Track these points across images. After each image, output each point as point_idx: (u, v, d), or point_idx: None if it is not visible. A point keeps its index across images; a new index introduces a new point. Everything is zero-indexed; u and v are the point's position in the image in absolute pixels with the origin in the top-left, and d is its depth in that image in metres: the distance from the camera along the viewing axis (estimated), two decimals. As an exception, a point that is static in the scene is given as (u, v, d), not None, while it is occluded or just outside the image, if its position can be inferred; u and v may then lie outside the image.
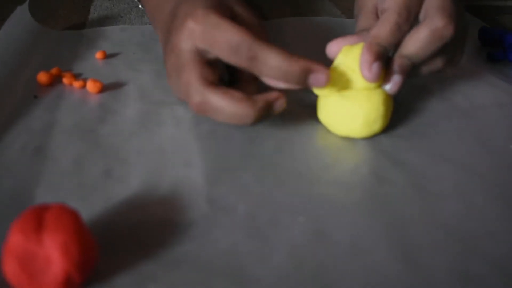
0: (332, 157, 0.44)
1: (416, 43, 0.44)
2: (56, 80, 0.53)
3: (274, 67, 0.40)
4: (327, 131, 0.46)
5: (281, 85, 0.42)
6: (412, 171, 0.42)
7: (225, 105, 0.41)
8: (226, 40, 0.41)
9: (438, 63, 0.47)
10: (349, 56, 0.44)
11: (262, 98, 0.41)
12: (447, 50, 0.46)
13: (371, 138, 0.45)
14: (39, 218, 0.30)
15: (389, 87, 0.45)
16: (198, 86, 0.42)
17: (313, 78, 0.41)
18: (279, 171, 0.42)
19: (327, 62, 0.45)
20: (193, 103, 0.42)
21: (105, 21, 0.68)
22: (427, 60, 0.46)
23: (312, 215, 0.37)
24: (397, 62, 0.44)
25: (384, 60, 0.43)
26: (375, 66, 0.43)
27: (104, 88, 0.52)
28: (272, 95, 0.42)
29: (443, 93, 0.53)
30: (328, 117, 0.45)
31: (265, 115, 0.42)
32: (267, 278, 0.33)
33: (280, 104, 0.42)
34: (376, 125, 0.44)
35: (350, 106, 0.44)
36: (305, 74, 0.41)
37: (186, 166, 0.42)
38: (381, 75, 0.43)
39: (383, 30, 0.44)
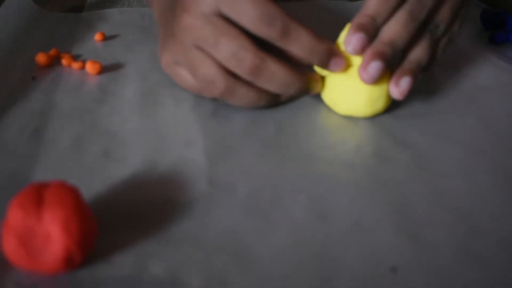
0: (334, 137, 0.43)
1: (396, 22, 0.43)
2: (54, 61, 0.53)
3: (304, 44, 0.41)
4: (330, 111, 0.46)
5: (303, 62, 0.43)
6: (415, 151, 0.42)
7: (281, 69, 0.41)
8: (259, 10, 0.39)
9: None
10: None
11: (305, 74, 0.43)
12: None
13: (374, 118, 0.45)
14: (39, 194, 0.30)
15: (396, 93, 0.43)
16: (254, 49, 0.40)
17: (334, 61, 0.42)
18: (280, 151, 0.42)
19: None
20: (248, 67, 0.41)
21: (104, 4, 0.67)
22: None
23: (314, 194, 0.37)
24: (379, 48, 0.42)
25: (368, 30, 0.42)
26: (355, 38, 0.41)
27: (103, 70, 0.51)
28: (314, 75, 0.44)
29: (445, 75, 0.53)
30: (331, 95, 0.45)
31: (304, 91, 0.44)
32: (268, 256, 0.32)
33: (317, 86, 0.44)
34: (379, 104, 0.44)
35: (353, 84, 0.43)
36: (329, 56, 0.42)
37: (187, 146, 0.41)
38: (364, 46, 0.41)
39: (391, 29, 0.42)
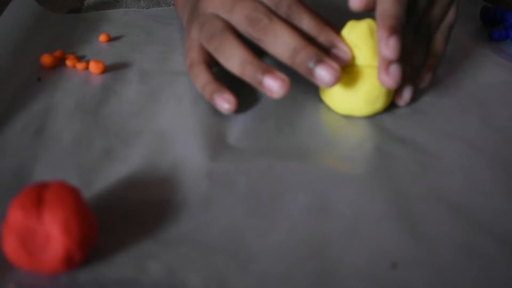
0: (334, 134, 0.43)
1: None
2: (59, 63, 0.53)
3: (305, 28, 0.42)
4: (329, 110, 0.46)
5: None
6: (415, 148, 0.42)
7: (288, 31, 0.41)
8: None
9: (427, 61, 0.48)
10: (353, 32, 0.43)
11: (316, 47, 0.42)
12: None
13: (373, 117, 0.45)
14: (39, 195, 0.30)
15: (403, 102, 0.45)
16: (265, 11, 0.42)
17: (336, 53, 0.42)
18: (280, 148, 0.42)
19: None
20: (258, 25, 0.42)
21: (101, 6, 0.67)
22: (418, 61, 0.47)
23: (314, 191, 0.37)
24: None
25: (400, 32, 0.41)
26: (392, 41, 0.40)
27: (107, 69, 0.52)
28: (324, 54, 0.41)
29: (445, 73, 0.52)
30: (330, 95, 0.45)
31: (310, 64, 0.41)
32: (267, 254, 0.32)
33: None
34: (378, 103, 0.44)
35: (352, 83, 0.43)
36: (330, 46, 0.42)
37: (186, 145, 0.41)
38: (400, 50, 0.40)
39: (387, 4, 0.42)
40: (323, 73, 0.40)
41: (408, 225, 0.34)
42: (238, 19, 0.43)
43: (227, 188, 0.37)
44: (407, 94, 0.45)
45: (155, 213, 0.35)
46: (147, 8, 0.66)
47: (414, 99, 0.48)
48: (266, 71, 0.41)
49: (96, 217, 0.32)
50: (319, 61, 0.40)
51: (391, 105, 0.46)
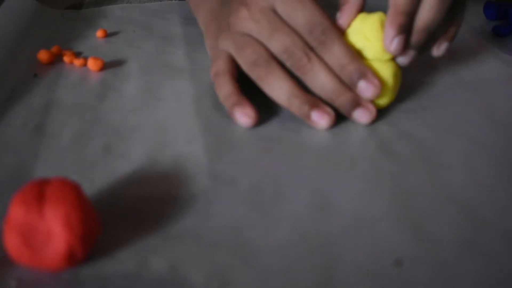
0: (337, 131, 0.43)
1: (429, 9, 0.43)
2: (56, 59, 0.53)
3: (337, 58, 0.42)
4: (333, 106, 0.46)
5: None
6: (418, 143, 0.42)
7: (327, 73, 0.42)
8: (306, 16, 0.42)
9: (448, 30, 0.46)
10: (365, 24, 0.43)
11: (353, 92, 0.43)
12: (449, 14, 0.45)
13: (377, 111, 0.45)
14: (40, 191, 0.30)
15: (401, 59, 0.44)
16: (304, 48, 0.42)
17: (365, 85, 0.42)
18: (282, 145, 0.41)
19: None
20: (297, 61, 0.42)
21: (102, 2, 0.67)
22: (439, 29, 0.45)
23: (316, 187, 0.37)
24: (415, 38, 0.43)
25: (406, 32, 0.43)
26: (397, 40, 0.42)
27: (105, 66, 0.51)
28: (363, 100, 0.43)
29: (448, 68, 0.52)
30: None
31: (348, 107, 0.43)
32: (270, 251, 0.32)
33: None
34: (383, 99, 0.44)
35: None
36: (358, 77, 0.42)
37: (188, 141, 0.41)
38: (403, 49, 0.43)
39: None
40: (359, 115, 0.43)
41: (410, 222, 0.34)
42: (277, 50, 0.43)
43: (228, 184, 0.37)
44: (411, 53, 0.44)
45: (156, 209, 0.35)
46: (150, 1, 0.66)
47: (416, 93, 0.48)
48: (314, 106, 0.42)
49: (97, 213, 0.32)
50: (356, 105, 0.43)
51: (395, 100, 0.46)
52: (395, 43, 0.42)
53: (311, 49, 0.42)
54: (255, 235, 0.33)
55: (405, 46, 0.43)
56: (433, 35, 0.44)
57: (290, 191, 0.37)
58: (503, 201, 0.36)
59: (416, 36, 0.43)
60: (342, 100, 0.42)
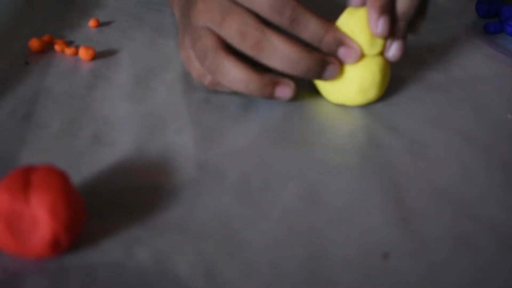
0: (326, 123, 0.43)
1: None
2: (48, 47, 0.52)
3: (312, 32, 0.41)
4: (322, 98, 0.46)
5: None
6: (408, 138, 0.42)
7: (284, 43, 0.40)
8: None
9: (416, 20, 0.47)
10: (352, 18, 0.43)
11: (319, 52, 0.42)
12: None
13: (366, 106, 0.45)
14: (26, 178, 0.30)
15: (392, 53, 0.44)
16: (256, 24, 0.41)
17: (343, 51, 0.42)
18: (271, 137, 0.41)
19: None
20: (250, 41, 0.40)
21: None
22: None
23: (305, 180, 0.37)
24: (395, 28, 0.43)
25: (389, 13, 0.42)
26: (382, 21, 0.42)
27: (96, 56, 0.51)
28: (329, 57, 0.42)
29: (439, 65, 0.53)
30: (323, 83, 0.44)
31: (315, 71, 0.42)
32: (257, 242, 0.32)
33: (333, 70, 0.42)
34: (370, 93, 0.44)
35: (345, 72, 0.43)
36: (337, 45, 0.42)
37: (177, 132, 0.41)
38: (389, 29, 0.42)
39: None
40: (330, 73, 0.43)
41: (400, 216, 0.34)
42: (230, 35, 0.41)
43: (217, 175, 0.37)
44: (398, 43, 0.44)
45: (143, 199, 0.35)
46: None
47: (407, 88, 0.48)
48: (274, 84, 0.42)
49: (83, 201, 0.32)
50: (325, 64, 0.42)
51: (385, 94, 0.46)
52: (380, 25, 0.42)
53: (264, 24, 0.41)
54: (242, 227, 0.33)
55: (391, 27, 0.43)
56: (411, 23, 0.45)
57: (279, 183, 0.37)
58: (492, 195, 0.36)
59: (398, 24, 0.43)
60: (308, 63, 0.41)
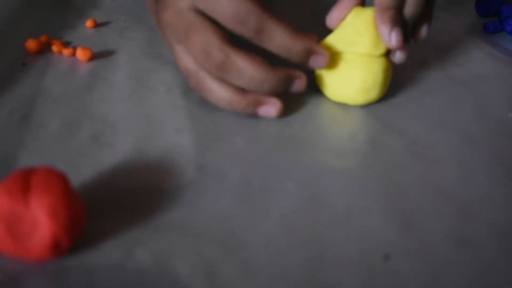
0: (327, 124, 0.43)
1: (413, 4, 0.43)
2: (45, 48, 0.52)
3: (279, 43, 0.40)
4: (323, 98, 0.46)
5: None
6: (408, 138, 0.42)
7: (248, 64, 0.39)
8: (232, 8, 0.38)
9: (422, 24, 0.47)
10: (358, 19, 0.43)
11: (284, 69, 0.41)
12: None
13: (367, 106, 0.45)
14: (26, 180, 0.30)
15: (398, 56, 0.44)
16: (220, 44, 0.39)
17: (314, 60, 0.42)
18: (272, 137, 0.41)
19: (321, 31, 0.44)
20: (214, 62, 0.39)
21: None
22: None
23: (305, 180, 0.37)
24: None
25: (399, 24, 0.42)
26: (394, 34, 0.42)
27: (94, 56, 0.51)
28: (295, 72, 0.42)
29: (439, 64, 0.53)
30: (325, 81, 0.44)
31: (281, 88, 0.41)
32: (257, 244, 0.32)
33: (299, 84, 0.42)
34: (372, 93, 0.44)
35: (348, 71, 0.43)
36: (307, 55, 0.41)
37: (176, 132, 0.41)
38: (403, 39, 0.42)
39: None
40: (297, 86, 0.42)
41: (400, 216, 0.34)
42: (194, 54, 0.40)
43: (216, 176, 0.37)
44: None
45: (143, 200, 0.35)
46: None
47: (407, 88, 0.48)
48: (256, 104, 0.42)
49: (83, 203, 0.32)
50: (291, 79, 0.41)
51: (385, 95, 0.46)
52: (393, 38, 0.42)
53: (228, 44, 0.39)
54: (242, 227, 0.33)
55: (404, 37, 0.43)
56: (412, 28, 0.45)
57: (279, 183, 0.37)
58: (493, 195, 0.37)
59: (405, 29, 0.43)
60: (273, 83, 0.40)
